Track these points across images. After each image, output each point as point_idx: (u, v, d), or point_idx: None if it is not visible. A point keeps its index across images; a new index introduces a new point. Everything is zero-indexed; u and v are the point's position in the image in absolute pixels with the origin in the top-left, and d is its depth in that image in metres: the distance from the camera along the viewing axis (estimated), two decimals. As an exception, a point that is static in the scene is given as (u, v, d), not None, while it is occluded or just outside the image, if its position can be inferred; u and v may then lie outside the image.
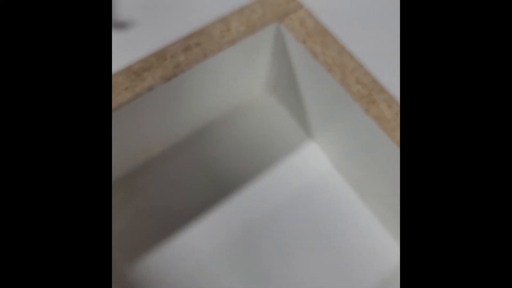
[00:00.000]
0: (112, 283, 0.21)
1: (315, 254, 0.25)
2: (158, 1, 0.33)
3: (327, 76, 0.22)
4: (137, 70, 0.21)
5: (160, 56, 0.21)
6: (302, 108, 0.27)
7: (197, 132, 0.28)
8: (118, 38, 0.31)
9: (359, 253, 0.25)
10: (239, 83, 0.27)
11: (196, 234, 0.25)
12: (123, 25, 0.32)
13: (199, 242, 0.25)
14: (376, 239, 0.26)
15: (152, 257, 0.24)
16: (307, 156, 0.28)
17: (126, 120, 0.22)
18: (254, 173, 0.27)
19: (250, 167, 0.27)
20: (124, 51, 0.27)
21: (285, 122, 0.28)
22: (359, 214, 0.26)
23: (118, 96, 0.21)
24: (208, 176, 0.27)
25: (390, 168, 0.23)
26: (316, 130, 0.27)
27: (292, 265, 0.25)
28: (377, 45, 0.31)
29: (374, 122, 0.21)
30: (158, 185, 0.26)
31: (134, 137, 0.24)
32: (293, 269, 0.24)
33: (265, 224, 0.26)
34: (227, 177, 0.27)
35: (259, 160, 0.27)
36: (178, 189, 0.26)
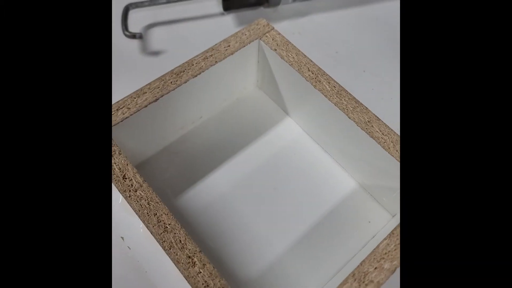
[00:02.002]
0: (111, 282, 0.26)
1: (293, 185, 0.39)
2: (178, 35, 0.48)
3: (290, 68, 0.37)
4: (177, 72, 0.35)
5: (190, 63, 0.36)
6: (279, 94, 0.41)
7: (212, 116, 0.42)
8: (154, 61, 0.46)
9: (320, 181, 0.39)
10: (237, 81, 0.41)
11: (218, 177, 0.38)
12: (156, 53, 0.47)
13: (219, 182, 0.38)
14: (334, 173, 0.39)
15: (189, 192, 0.38)
16: (286, 127, 0.42)
17: (170, 104, 0.36)
18: (251, 140, 0.41)
19: (248, 136, 0.41)
20: (162, 66, 0.42)
21: (270, 106, 0.43)
22: (322, 160, 0.40)
23: (166, 88, 0.35)
24: (223, 143, 0.40)
25: (337, 122, 0.36)
26: (291, 109, 0.41)
27: (280, 193, 0.38)
28: (320, 49, 0.46)
29: (320, 93, 0.36)
30: (190, 150, 0.40)
31: (181, 111, 0.38)
32: (280, 196, 0.38)
33: (260, 171, 0.39)
34: (234, 143, 0.40)
35: (254, 132, 0.41)
36: (204, 151, 0.40)
